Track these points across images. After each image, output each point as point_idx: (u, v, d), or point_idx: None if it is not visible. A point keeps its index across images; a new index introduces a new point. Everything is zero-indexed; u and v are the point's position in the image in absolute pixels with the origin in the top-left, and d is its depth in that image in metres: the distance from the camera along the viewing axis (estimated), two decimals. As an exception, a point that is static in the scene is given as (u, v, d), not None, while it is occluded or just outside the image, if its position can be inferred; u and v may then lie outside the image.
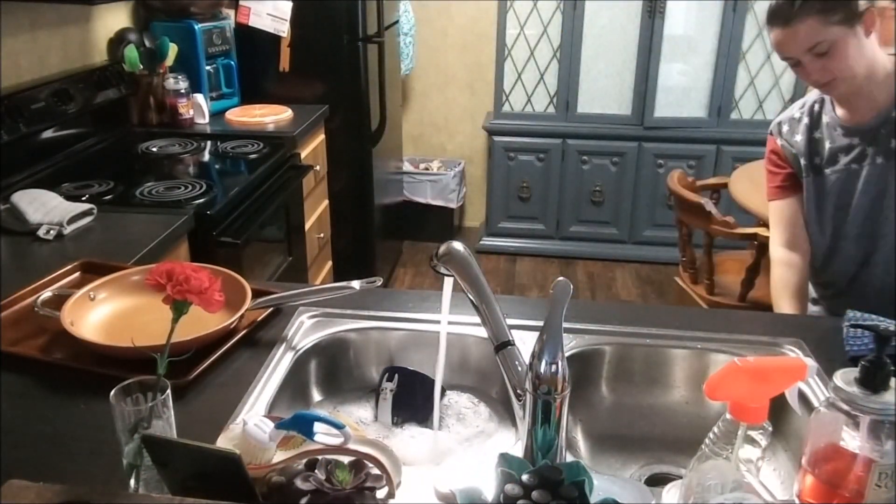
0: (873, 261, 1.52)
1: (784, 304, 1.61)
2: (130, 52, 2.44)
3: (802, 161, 1.56)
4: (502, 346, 0.94)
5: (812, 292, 1.70)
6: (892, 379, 0.76)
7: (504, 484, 0.74)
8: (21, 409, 1.01)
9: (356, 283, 1.20)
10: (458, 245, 1.02)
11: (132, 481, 0.82)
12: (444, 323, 1.06)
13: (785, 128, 1.60)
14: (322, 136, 2.87)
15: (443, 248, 1.03)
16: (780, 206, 1.64)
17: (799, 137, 1.56)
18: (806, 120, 1.56)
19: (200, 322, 1.06)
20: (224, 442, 0.86)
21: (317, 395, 1.22)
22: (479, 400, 1.20)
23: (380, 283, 1.22)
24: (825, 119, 1.53)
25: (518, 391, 0.89)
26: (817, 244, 1.61)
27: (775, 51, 1.42)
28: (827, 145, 1.52)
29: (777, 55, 1.44)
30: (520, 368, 0.91)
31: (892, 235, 1.48)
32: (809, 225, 1.61)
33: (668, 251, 3.61)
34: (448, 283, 1.05)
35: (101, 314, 1.23)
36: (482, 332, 0.99)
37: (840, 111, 1.51)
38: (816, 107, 1.56)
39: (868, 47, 1.39)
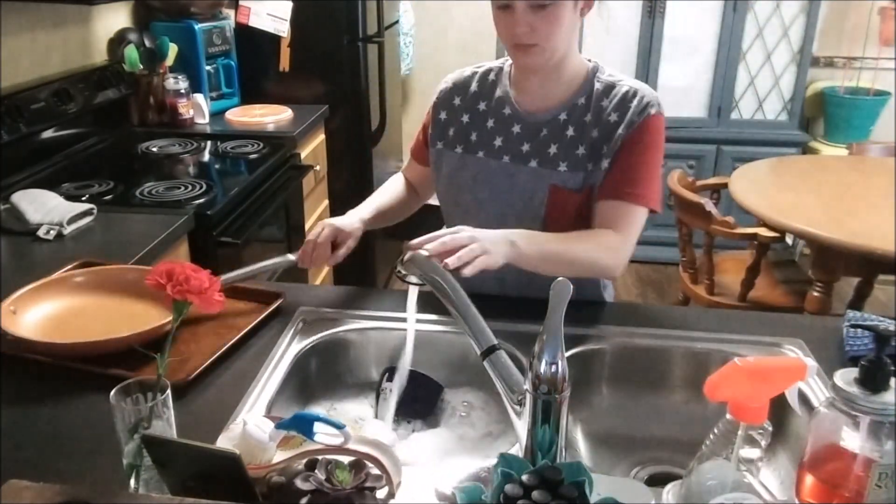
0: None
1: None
2: (130, 52, 2.44)
3: (451, 130, 1.43)
4: (489, 351, 0.92)
5: None
6: (892, 379, 0.76)
7: (504, 484, 0.74)
8: (21, 409, 1.01)
9: (292, 256, 1.38)
10: (423, 252, 1.01)
11: (132, 481, 0.82)
12: (411, 331, 1.07)
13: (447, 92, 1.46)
14: (322, 136, 2.86)
15: (407, 256, 1.01)
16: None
17: (458, 102, 1.42)
18: (475, 87, 1.41)
19: (136, 318, 1.08)
20: (224, 442, 0.86)
21: (317, 395, 1.22)
22: (490, 399, 1.19)
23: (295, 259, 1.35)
24: (497, 93, 1.38)
25: (511, 395, 0.88)
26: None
27: None
28: (490, 123, 1.37)
29: None
30: (510, 371, 0.90)
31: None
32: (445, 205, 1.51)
33: (668, 251, 3.61)
34: (413, 291, 1.04)
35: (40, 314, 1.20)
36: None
37: (514, 92, 1.36)
38: (492, 76, 1.40)
39: (576, 32, 1.27)
